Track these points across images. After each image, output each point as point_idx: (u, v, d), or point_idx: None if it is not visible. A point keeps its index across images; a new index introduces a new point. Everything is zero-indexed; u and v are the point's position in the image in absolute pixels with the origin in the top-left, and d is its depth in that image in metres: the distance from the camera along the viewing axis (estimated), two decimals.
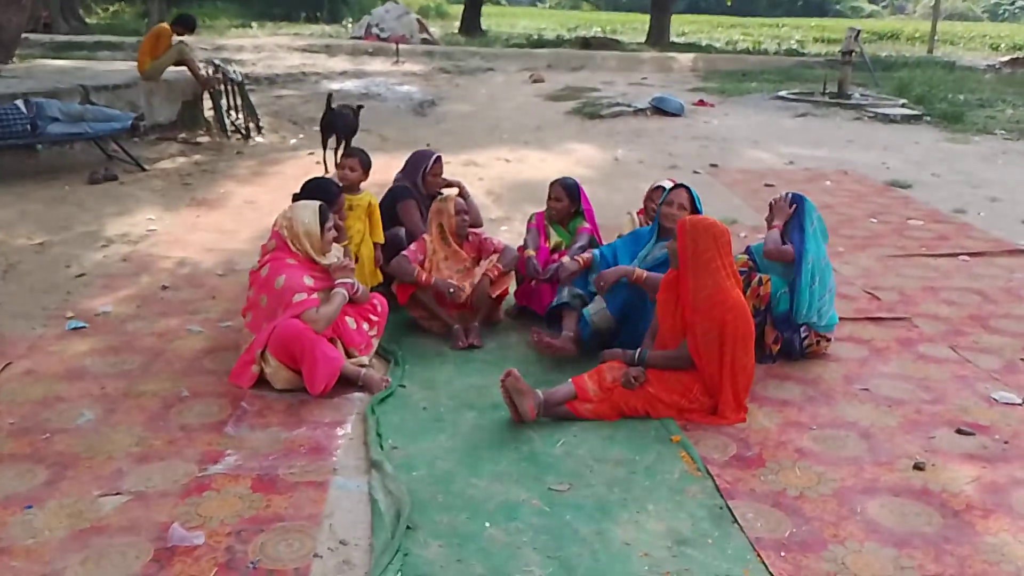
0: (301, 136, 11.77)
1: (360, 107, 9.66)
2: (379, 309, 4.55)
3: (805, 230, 4.51)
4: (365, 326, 4.46)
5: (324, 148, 9.33)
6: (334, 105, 9.20)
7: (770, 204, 4.75)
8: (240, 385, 4.12)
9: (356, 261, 4.92)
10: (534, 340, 4.54)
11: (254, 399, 4.03)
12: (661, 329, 4.07)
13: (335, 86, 17.38)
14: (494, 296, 4.90)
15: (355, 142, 9.36)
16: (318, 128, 9.52)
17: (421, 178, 5.37)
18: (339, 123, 9.17)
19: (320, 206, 4.26)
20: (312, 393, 4.03)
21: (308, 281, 4.16)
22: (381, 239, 5.13)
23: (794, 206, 4.58)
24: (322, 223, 4.22)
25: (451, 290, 4.78)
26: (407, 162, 5.44)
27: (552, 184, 5.27)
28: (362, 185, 5.23)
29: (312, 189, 4.71)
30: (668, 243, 4.10)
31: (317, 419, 3.88)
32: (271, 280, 4.12)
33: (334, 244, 4.42)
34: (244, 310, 4.35)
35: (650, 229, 4.74)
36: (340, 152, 8.90)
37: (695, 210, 4.53)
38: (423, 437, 3.76)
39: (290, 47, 22.00)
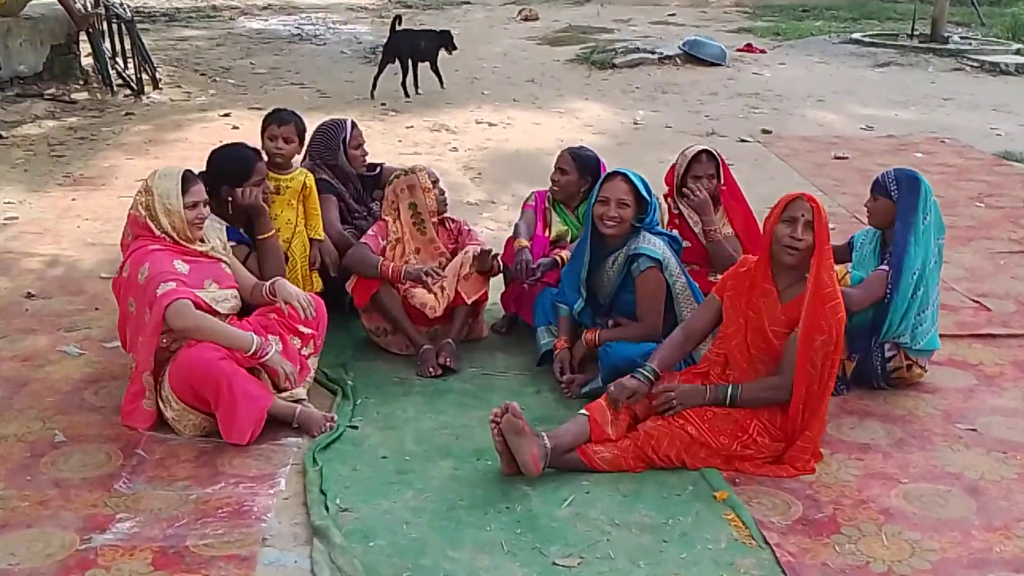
0: (212, 92, 11.77)
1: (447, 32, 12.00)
2: (312, 316, 4.47)
3: (915, 225, 4.52)
4: (296, 342, 4.43)
5: (379, 73, 11.69)
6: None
7: (866, 205, 4.76)
8: (134, 426, 4.11)
9: (285, 261, 4.92)
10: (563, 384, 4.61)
11: (154, 444, 4.02)
12: (727, 347, 4.11)
13: (255, 25, 17.44)
14: (469, 302, 4.94)
15: (284, 100, 9.39)
16: (233, 81, 9.61)
17: (344, 155, 5.38)
18: (407, 44, 11.51)
19: (184, 172, 4.24)
20: (232, 441, 4.03)
21: (180, 267, 4.15)
22: (320, 233, 5.10)
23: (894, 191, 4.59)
24: (184, 193, 4.17)
25: (426, 272, 4.84)
26: (313, 140, 5.42)
27: (561, 152, 5.31)
28: (296, 160, 5.24)
29: (220, 159, 4.74)
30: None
31: (240, 472, 3.86)
32: (134, 274, 4.12)
33: (215, 224, 4.43)
34: (119, 327, 4.35)
35: (581, 241, 4.70)
36: (408, 80, 11.70)
37: (641, 202, 4.55)
38: (383, 495, 3.75)
39: None
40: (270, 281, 4.39)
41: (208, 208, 4.33)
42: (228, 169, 4.71)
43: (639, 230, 4.58)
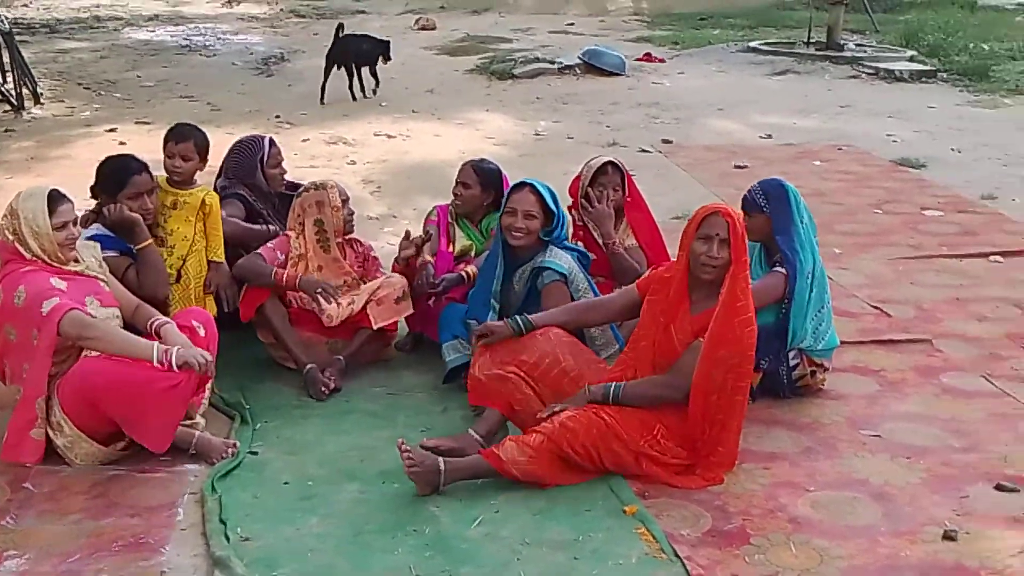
0: (97, 106, 11.54)
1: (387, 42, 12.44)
2: (202, 333, 4.34)
3: (796, 229, 4.64)
4: None
5: (325, 79, 11.96)
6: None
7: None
8: (22, 461, 4.00)
9: (178, 280, 4.83)
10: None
11: (43, 477, 3.93)
12: (636, 349, 4.16)
13: (141, 36, 17.15)
14: (375, 327, 4.93)
15: (173, 114, 9.26)
16: (119, 95, 9.48)
17: (261, 174, 5.32)
18: (352, 49, 12.00)
19: (49, 192, 4.15)
20: (154, 450, 3.98)
21: (58, 284, 4.06)
22: (220, 255, 4.97)
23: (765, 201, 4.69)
24: (51, 213, 4.06)
25: (319, 290, 4.80)
26: (230, 157, 5.35)
27: (463, 166, 5.34)
28: (198, 177, 5.14)
29: (101, 169, 4.71)
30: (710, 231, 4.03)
31: (136, 502, 3.80)
32: (9, 300, 4.02)
33: (87, 243, 4.34)
34: None
35: (492, 250, 4.78)
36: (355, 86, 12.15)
37: (546, 212, 4.62)
38: (287, 522, 3.72)
39: None
40: (156, 322, 4.23)
41: (79, 228, 4.24)
42: (104, 180, 4.67)
43: (547, 244, 4.62)
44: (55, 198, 4.12)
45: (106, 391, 3.92)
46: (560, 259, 4.61)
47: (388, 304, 4.95)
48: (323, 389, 4.73)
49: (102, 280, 4.30)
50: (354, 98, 12.08)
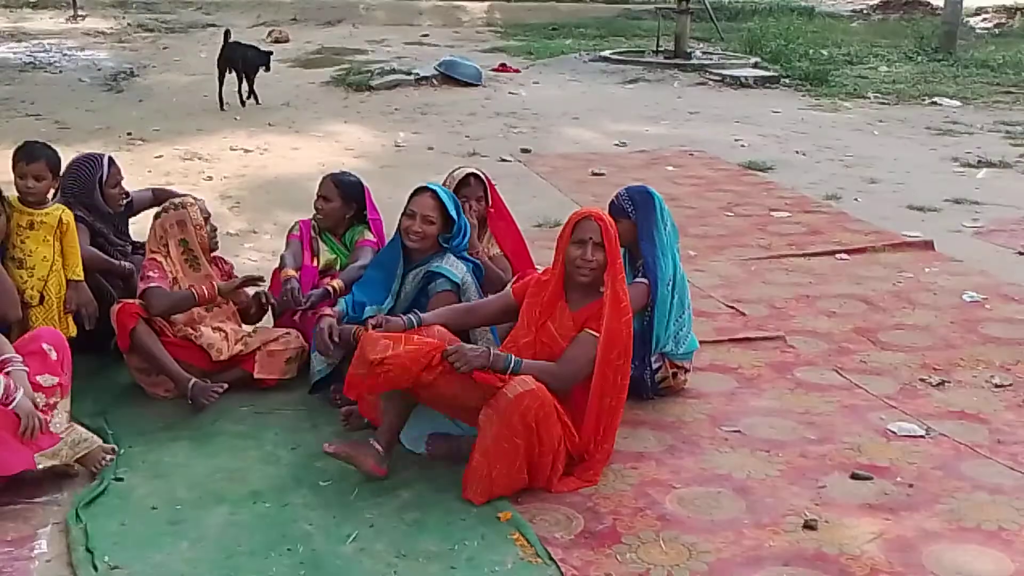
0: None
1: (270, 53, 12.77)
2: (54, 357, 4.19)
3: (659, 236, 4.72)
4: (40, 398, 4.06)
5: (220, 85, 12.23)
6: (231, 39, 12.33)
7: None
8: None
9: (41, 302, 4.69)
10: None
11: None
12: (517, 345, 4.18)
13: None
14: (256, 376, 4.87)
15: (19, 133, 8.94)
16: None
17: (100, 195, 5.16)
18: (239, 55, 12.22)
19: None
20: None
21: None
22: (79, 274, 4.84)
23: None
24: None
25: (240, 282, 4.89)
26: (66, 179, 5.09)
27: (323, 179, 5.30)
28: (51, 195, 4.98)
29: None
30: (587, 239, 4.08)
31: None
32: None
33: None
34: None
35: (388, 250, 4.81)
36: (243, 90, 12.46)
37: (446, 217, 4.64)
38: (156, 547, 3.63)
39: None
40: (2, 367, 4.06)
41: None
42: None
43: (446, 250, 4.62)
44: None
45: None
46: (455, 268, 4.62)
47: (278, 361, 4.90)
48: (215, 391, 4.64)
49: None
50: (243, 103, 12.41)
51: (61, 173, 4.97)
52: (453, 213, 4.64)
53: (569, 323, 4.12)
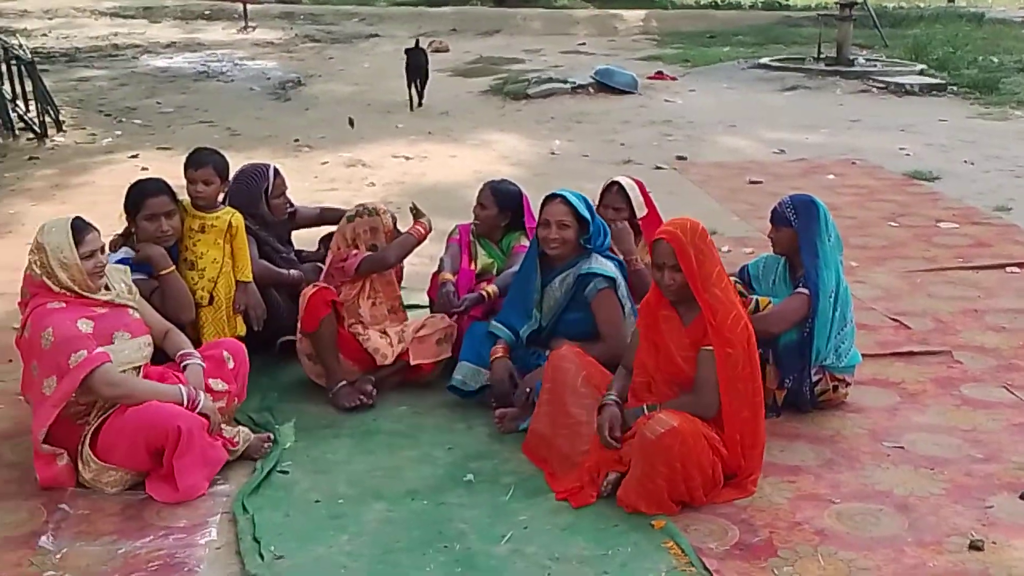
0: (118, 133, 11.61)
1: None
2: (231, 365, 4.44)
3: (821, 247, 4.62)
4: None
5: (410, 88, 13.32)
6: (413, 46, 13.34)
7: (769, 236, 4.86)
8: (60, 486, 4.01)
9: (211, 302, 4.89)
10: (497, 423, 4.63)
11: (78, 499, 3.96)
12: (645, 372, 4.16)
13: (159, 63, 17.28)
14: (412, 363, 4.95)
15: (193, 139, 9.32)
16: (139, 121, 9.52)
17: (265, 205, 5.31)
18: (423, 62, 13.22)
19: (73, 221, 4.13)
20: (164, 500, 3.96)
21: (85, 327, 4.01)
22: (247, 275, 5.02)
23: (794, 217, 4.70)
24: (78, 243, 4.05)
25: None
26: (234, 189, 5.27)
27: (482, 187, 5.37)
28: (220, 199, 5.18)
29: (128, 195, 4.76)
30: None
31: (168, 523, 3.83)
32: (36, 338, 3.98)
33: (117, 267, 4.36)
34: (23, 389, 4.21)
35: (526, 263, 4.80)
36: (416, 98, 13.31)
37: (581, 222, 4.61)
38: (317, 540, 3.74)
39: (94, 10, 21.79)
40: (182, 360, 4.30)
41: (106, 255, 4.25)
42: (126, 202, 4.73)
43: (590, 251, 4.64)
44: (79, 228, 4.09)
45: (160, 436, 3.96)
46: (606, 266, 4.62)
47: (429, 344, 4.99)
48: (361, 398, 4.76)
49: (132, 307, 4.29)
50: (421, 103, 13.29)
51: (229, 179, 5.17)
52: (586, 215, 4.62)
53: (685, 340, 4.07)
